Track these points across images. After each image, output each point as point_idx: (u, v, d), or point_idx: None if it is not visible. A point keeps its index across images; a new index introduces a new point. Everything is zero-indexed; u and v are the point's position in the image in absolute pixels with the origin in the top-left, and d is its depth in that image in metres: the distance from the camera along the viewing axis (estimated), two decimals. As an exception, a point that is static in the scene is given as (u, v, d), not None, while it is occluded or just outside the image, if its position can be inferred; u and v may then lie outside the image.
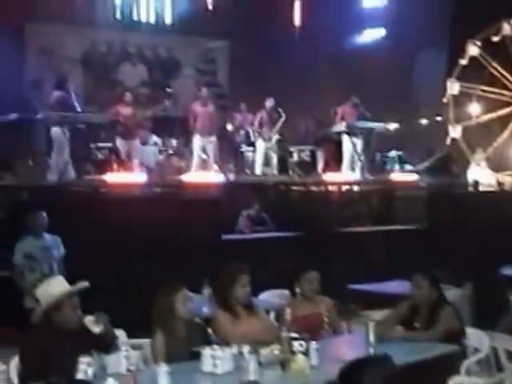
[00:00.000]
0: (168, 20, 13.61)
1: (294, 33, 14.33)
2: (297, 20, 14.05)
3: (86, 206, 8.28)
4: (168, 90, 12.23)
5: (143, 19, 13.66)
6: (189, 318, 4.63)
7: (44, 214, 6.77)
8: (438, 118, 14.36)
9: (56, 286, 4.28)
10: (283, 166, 12.28)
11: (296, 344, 4.14)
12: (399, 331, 4.85)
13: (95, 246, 7.51)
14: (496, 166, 13.04)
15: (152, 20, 13.65)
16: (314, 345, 4.23)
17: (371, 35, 14.94)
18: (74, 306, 4.24)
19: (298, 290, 5.24)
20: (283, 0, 14.01)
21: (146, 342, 4.70)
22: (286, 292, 6.42)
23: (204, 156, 11.50)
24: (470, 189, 11.41)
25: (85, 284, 4.34)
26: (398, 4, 14.05)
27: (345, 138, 11.88)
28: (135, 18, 13.51)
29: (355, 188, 10.85)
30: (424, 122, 14.50)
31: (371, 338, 4.59)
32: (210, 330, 4.75)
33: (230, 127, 12.93)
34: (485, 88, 14.01)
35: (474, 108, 14.21)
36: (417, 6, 13.08)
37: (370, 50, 14.38)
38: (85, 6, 12.91)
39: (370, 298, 7.75)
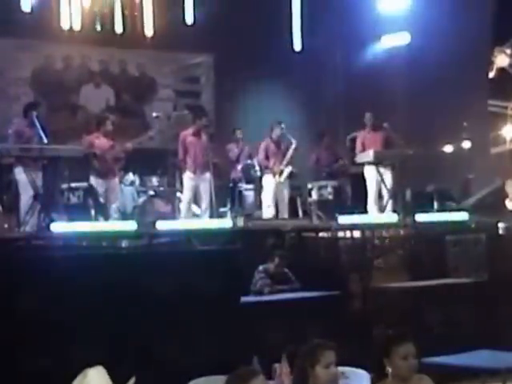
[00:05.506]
0: (139, 31, 12.64)
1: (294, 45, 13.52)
2: (297, 30, 13.19)
3: (59, 267, 7.12)
4: (155, 114, 11.37)
5: (108, 30, 12.65)
6: None
7: None
8: (466, 144, 13.80)
9: None
10: (293, 207, 11.36)
11: None
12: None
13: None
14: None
15: (119, 31, 12.61)
16: None
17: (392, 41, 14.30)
18: None
19: (389, 368, 4.41)
20: (280, 7, 13.17)
21: None
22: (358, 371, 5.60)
23: (195, 208, 10.70)
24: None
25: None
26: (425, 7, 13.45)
27: (370, 170, 11.04)
28: (98, 28, 12.51)
29: (394, 233, 9.96)
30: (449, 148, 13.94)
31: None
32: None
33: (217, 161, 12.00)
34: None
35: (509, 130, 13.71)
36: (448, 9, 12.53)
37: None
38: (36, 15, 11.95)
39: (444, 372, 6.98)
